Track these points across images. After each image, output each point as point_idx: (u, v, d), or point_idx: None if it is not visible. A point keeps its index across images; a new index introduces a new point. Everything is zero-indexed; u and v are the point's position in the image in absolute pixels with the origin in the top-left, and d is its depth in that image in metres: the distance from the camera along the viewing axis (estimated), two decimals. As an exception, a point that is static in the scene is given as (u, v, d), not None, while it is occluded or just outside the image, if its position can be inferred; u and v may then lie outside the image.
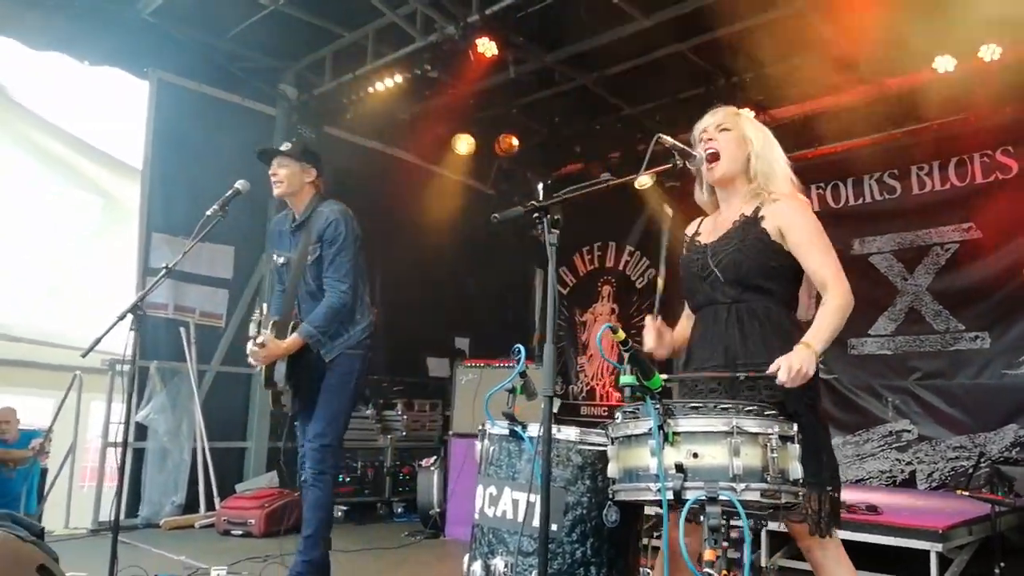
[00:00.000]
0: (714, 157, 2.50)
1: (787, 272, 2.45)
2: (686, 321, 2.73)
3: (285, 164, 3.88)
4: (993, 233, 6.18)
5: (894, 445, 6.43)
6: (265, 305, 3.94)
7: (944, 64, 5.86)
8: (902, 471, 6.36)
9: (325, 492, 3.72)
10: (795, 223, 2.41)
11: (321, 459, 3.71)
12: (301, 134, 7.11)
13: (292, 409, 3.86)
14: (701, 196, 2.70)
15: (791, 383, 2.12)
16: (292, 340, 3.68)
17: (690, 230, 2.73)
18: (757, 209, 2.47)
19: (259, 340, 3.63)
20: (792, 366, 2.12)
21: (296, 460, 3.90)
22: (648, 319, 2.65)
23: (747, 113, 2.83)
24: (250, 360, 3.74)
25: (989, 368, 6.06)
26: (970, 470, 5.87)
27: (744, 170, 2.54)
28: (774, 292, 2.44)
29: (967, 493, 4.92)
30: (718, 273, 2.46)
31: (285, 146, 3.97)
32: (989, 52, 5.72)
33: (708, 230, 2.62)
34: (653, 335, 2.61)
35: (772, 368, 2.15)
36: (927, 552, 4.15)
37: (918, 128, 6.58)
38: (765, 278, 2.42)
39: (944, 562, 4.23)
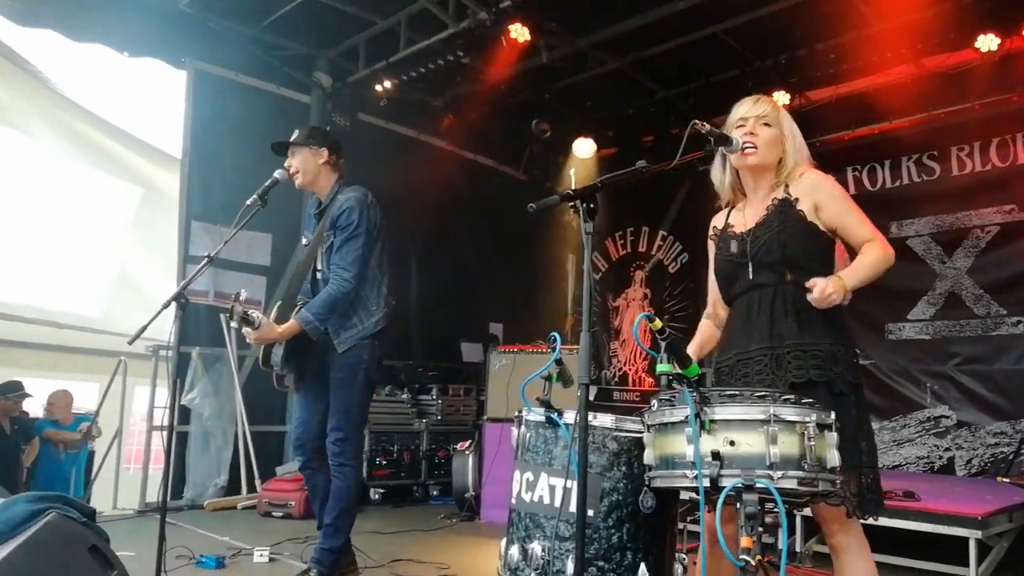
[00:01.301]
0: (752, 148, 2.50)
1: (826, 253, 2.50)
2: (707, 322, 2.77)
3: (295, 152, 3.80)
4: (1036, 215, 6.05)
5: (932, 431, 6.36)
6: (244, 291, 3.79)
7: (987, 43, 5.74)
8: (940, 457, 6.29)
9: (346, 483, 3.68)
10: (828, 194, 2.48)
11: (340, 452, 3.67)
12: (335, 122, 7.18)
13: (293, 389, 3.86)
14: (721, 176, 2.69)
15: (819, 303, 2.26)
16: (288, 325, 3.58)
17: (718, 223, 2.72)
18: (787, 190, 2.50)
19: (255, 321, 3.48)
20: (825, 289, 2.24)
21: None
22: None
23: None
24: (247, 340, 3.66)
25: (1032, 353, 5.96)
26: (1011, 456, 5.79)
27: (776, 164, 2.56)
28: (815, 271, 2.44)
29: (1008, 480, 4.86)
30: (762, 256, 2.46)
31: (294, 135, 3.85)
32: (1033, 30, 5.59)
33: (739, 221, 2.62)
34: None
35: (808, 283, 2.27)
36: (966, 539, 4.11)
37: (959, 108, 6.45)
38: (808, 258, 2.45)
39: (983, 549, 4.18)
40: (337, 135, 7.14)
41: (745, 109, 2.58)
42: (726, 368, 2.55)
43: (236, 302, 3.41)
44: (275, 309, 3.74)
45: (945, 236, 6.53)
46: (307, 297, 3.79)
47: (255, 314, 3.50)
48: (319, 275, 3.80)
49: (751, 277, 2.50)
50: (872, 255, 2.38)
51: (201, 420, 6.36)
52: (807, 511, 3.87)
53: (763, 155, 2.52)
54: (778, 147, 2.55)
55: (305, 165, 3.79)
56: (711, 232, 2.74)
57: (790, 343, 2.38)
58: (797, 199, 2.47)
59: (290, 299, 3.80)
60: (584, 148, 8.07)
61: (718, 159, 2.67)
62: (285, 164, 3.82)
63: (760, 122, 2.53)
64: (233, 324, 3.53)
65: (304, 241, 3.98)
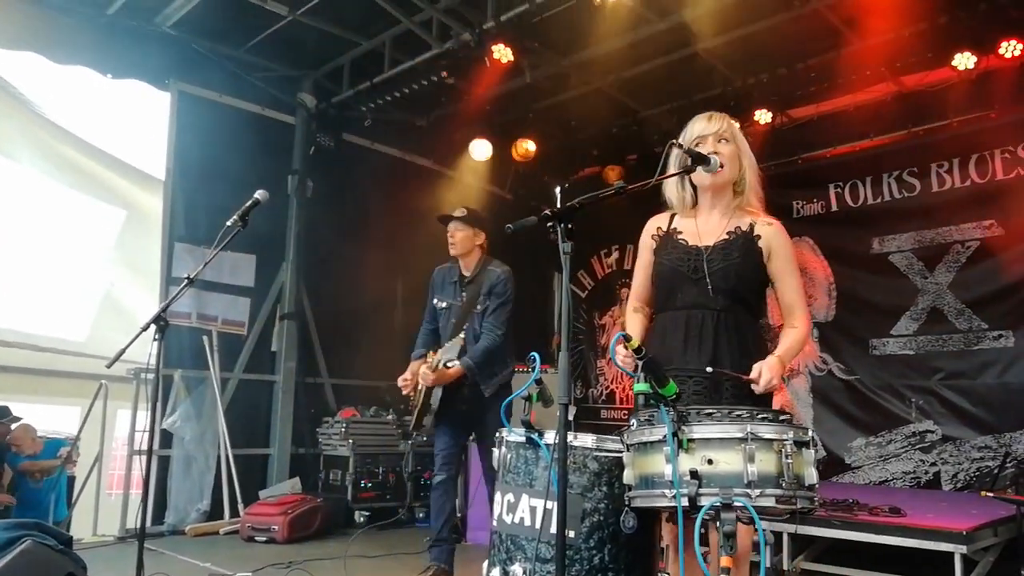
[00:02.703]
0: (721, 165, 2.53)
1: (764, 291, 2.64)
2: (638, 315, 2.79)
3: (461, 228, 4.47)
4: (1015, 230, 6.09)
5: (918, 446, 6.37)
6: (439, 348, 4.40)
7: (964, 61, 5.81)
8: (926, 472, 6.29)
9: None
10: (783, 249, 2.59)
11: None
12: (320, 143, 7.19)
13: (429, 427, 4.45)
14: (680, 193, 2.70)
15: (763, 389, 2.32)
16: (456, 369, 4.24)
17: (661, 225, 2.73)
18: (752, 226, 2.57)
19: (432, 364, 4.20)
20: (770, 379, 2.30)
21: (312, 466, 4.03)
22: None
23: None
24: (420, 381, 4.32)
25: (1014, 367, 5.98)
26: (995, 470, 5.81)
27: (735, 181, 2.62)
28: (756, 307, 2.62)
29: (992, 494, 4.87)
30: (716, 280, 2.51)
31: (460, 211, 4.51)
32: (1009, 48, 5.67)
33: (691, 231, 2.63)
34: None
35: (753, 374, 2.32)
36: (951, 554, 4.11)
37: (938, 126, 6.53)
38: (753, 293, 2.58)
39: (969, 564, 4.18)
40: (322, 156, 7.28)
41: (701, 127, 2.61)
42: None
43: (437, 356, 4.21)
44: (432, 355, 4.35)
45: (926, 252, 6.57)
46: (422, 348, 4.54)
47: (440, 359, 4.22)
48: (471, 333, 4.40)
49: (698, 295, 2.54)
50: (800, 334, 2.54)
51: (183, 444, 6.29)
52: (793, 528, 3.87)
53: (727, 173, 2.57)
54: (736, 162, 2.60)
55: (466, 242, 4.49)
56: (654, 230, 2.75)
57: (726, 369, 2.44)
58: (759, 236, 2.55)
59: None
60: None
61: (674, 178, 2.68)
62: (449, 234, 4.51)
63: (718, 139, 2.56)
64: (433, 365, 4.22)
65: (443, 304, 4.58)
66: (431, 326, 4.63)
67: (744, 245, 2.54)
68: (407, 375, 4.44)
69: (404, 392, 4.47)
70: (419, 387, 4.37)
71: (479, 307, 4.43)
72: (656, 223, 2.77)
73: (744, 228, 2.57)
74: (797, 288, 2.59)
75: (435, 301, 4.62)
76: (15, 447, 6.41)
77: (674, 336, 2.57)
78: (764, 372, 2.30)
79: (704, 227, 2.61)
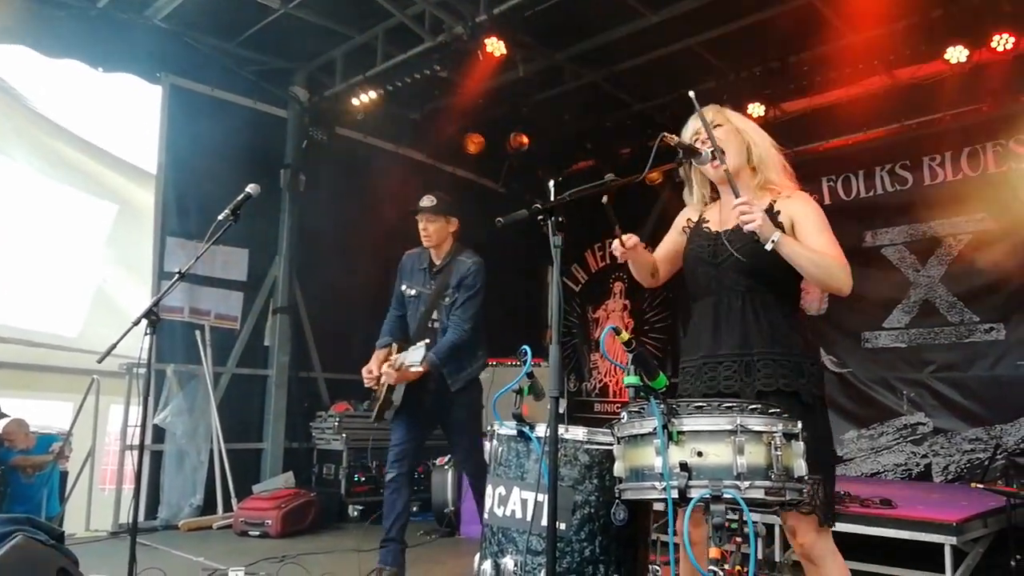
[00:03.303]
0: (720, 152, 2.48)
1: (795, 271, 2.45)
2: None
3: (433, 220, 4.31)
4: (1006, 223, 6.13)
5: (909, 438, 6.41)
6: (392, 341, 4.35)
7: (956, 54, 5.82)
8: (917, 464, 6.33)
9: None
10: (807, 214, 2.48)
11: (479, 473, 4.09)
12: (312, 137, 7.16)
13: (389, 418, 4.26)
14: (700, 191, 2.70)
15: (747, 219, 2.26)
16: (419, 370, 4.04)
17: (691, 216, 2.73)
18: (772, 204, 2.50)
19: (396, 364, 4.07)
20: (755, 214, 2.26)
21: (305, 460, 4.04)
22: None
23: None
24: (383, 379, 4.14)
25: (1005, 359, 6.03)
26: (986, 462, 5.84)
27: (747, 160, 2.57)
28: (783, 285, 2.48)
29: (982, 486, 4.90)
30: (735, 259, 2.45)
31: (429, 201, 4.32)
32: (1002, 42, 5.68)
33: (716, 219, 2.61)
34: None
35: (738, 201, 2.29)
36: (942, 545, 4.13)
37: (930, 119, 6.56)
38: (778, 269, 2.42)
39: (959, 555, 4.21)
40: (315, 149, 7.25)
41: (693, 126, 2.59)
42: (692, 369, 2.54)
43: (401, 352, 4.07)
44: (397, 349, 4.23)
45: (919, 245, 6.60)
46: (388, 336, 4.41)
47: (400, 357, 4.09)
48: (436, 324, 4.28)
49: (721, 279, 2.51)
50: (824, 256, 2.37)
51: (175, 439, 6.28)
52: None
53: (733, 157, 2.52)
54: (740, 140, 2.56)
55: (439, 232, 4.34)
56: (684, 222, 2.75)
57: (759, 351, 2.39)
58: (779, 212, 2.48)
59: (411, 342, 4.22)
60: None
61: (688, 182, 2.69)
62: (421, 227, 4.33)
63: (711, 127, 2.54)
64: (396, 363, 4.08)
65: (412, 291, 4.41)
66: (398, 313, 4.48)
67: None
68: (371, 366, 4.26)
69: (367, 385, 4.29)
70: (382, 380, 4.20)
71: (447, 299, 4.27)
72: (686, 214, 2.76)
73: (764, 208, 2.46)
74: (828, 243, 2.42)
75: (403, 288, 4.45)
76: (8, 442, 6.39)
77: (703, 323, 2.55)
78: (756, 210, 2.27)
79: (727, 212, 2.55)
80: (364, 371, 4.28)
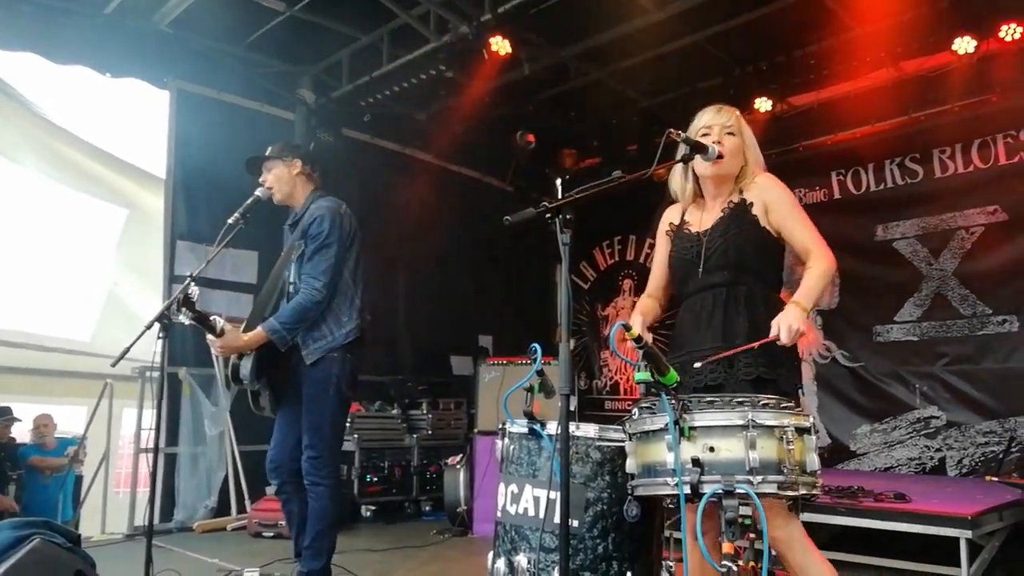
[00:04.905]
0: (720, 155, 2.55)
1: (776, 254, 2.60)
2: (649, 299, 2.81)
3: (270, 167, 3.77)
4: (1019, 215, 6.09)
5: (923, 432, 6.37)
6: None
7: (964, 45, 5.78)
8: (931, 458, 6.30)
9: (322, 503, 3.52)
10: (777, 198, 2.56)
11: (313, 470, 3.52)
12: (320, 139, 7.18)
13: (270, 410, 3.72)
14: (683, 183, 2.74)
15: (790, 341, 2.25)
16: (254, 334, 3.48)
17: (673, 218, 2.79)
18: (741, 193, 2.59)
19: (218, 329, 3.38)
20: (791, 326, 2.24)
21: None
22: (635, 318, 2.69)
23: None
24: (212, 351, 3.56)
25: (1018, 352, 5.98)
26: (1000, 455, 5.80)
27: (737, 173, 2.64)
28: (766, 274, 2.58)
29: (997, 479, 4.87)
30: (716, 258, 2.54)
31: (268, 151, 3.83)
32: (1009, 32, 5.65)
33: (697, 219, 2.68)
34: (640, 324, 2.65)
35: (772, 332, 2.26)
36: (957, 539, 4.11)
37: (939, 111, 6.50)
38: (759, 261, 2.55)
39: (975, 549, 4.18)
40: (322, 151, 7.26)
41: (709, 118, 2.64)
42: (678, 365, 2.54)
43: (187, 292, 3.16)
44: (245, 323, 3.63)
45: (931, 238, 6.55)
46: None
47: (217, 319, 3.38)
48: (291, 287, 3.69)
49: (704, 278, 2.57)
50: (818, 270, 2.44)
51: (189, 440, 6.30)
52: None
53: (728, 164, 2.60)
54: (740, 156, 2.63)
55: (280, 179, 3.76)
56: (667, 227, 2.80)
57: (741, 342, 2.43)
58: (751, 203, 2.56)
59: (260, 312, 3.69)
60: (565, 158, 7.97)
61: (679, 168, 2.70)
62: (260, 180, 3.78)
63: (725, 131, 2.59)
64: (183, 319, 3.21)
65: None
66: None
67: (739, 216, 2.56)
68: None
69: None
70: (213, 352, 3.60)
71: (294, 254, 3.67)
72: (668, 218, 2.82)
73: (736, 200, 2.59)
74: (805, 228, 2.51)
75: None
76: (41, 431, 6.45)
77: (688, 322, 2.62)
78: (781, 325, 2.25)
79: (709, 213, 2.66)
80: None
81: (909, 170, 6.73)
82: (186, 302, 3.15)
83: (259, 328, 3.49)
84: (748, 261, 2.52)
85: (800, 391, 2.51)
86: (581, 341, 8.97)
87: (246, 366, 3.51)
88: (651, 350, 2.06)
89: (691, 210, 2.74)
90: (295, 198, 3.82)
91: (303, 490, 3.57)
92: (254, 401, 3.71)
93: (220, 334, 3.39)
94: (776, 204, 2.54)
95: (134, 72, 6.56)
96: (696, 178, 2.70)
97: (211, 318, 3.35)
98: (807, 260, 2.49)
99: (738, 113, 2.70)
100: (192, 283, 3.21)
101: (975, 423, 6.12)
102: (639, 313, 2.74)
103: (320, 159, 3.96)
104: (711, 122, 2.62)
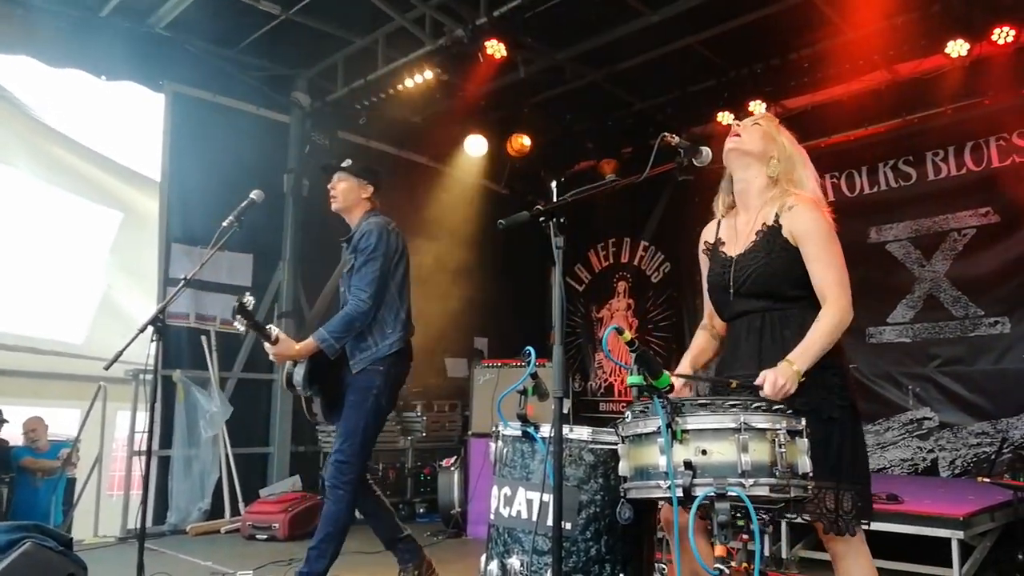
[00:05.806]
0: (735, 133, 2.53)
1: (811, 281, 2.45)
2: (703, 333, 2.75)
3: (344, 179, 3.95)
4: (1011, 217, 6.11)
5: (915, 433, 6.39)
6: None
7: (956, 48, 5.81)
8: (924, 459, 6.32)
9: (336, 506, 3.64)
10: (809, 232, 2.41)
11: (335, 474, 3.65)
12: (315, 142, 7.19)
13: (322, 417, 3.88)
14: (723, 196, 2.69)
15: (774, 397, 2.12)
16: (305, 343, 3.65)
17: (708, 235, 2.70)
18: (777, 216, 2.46)
19: (273, 337, 3.57)
20: (777, 383, 2.14)
21: (312, 464, 3.88)
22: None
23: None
24: (271, 357, 3.71)
25: (1010, 353, 6.01)
26: (992, 456, 5.83)
27: (762, 161, 2.53)
28: (805, 298, 2.43)
29: (989, 480, 4.89)
30: (748, 286, 2.46)
31: (347, 162, 4.01)
32: (1002, 34, 5.67)
33: (730, 238, 2.59)
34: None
35: (758, 380, 2.18)
36: (948, 540, 4.13)
37: (932, 113, 6.52)
38: (794, 287, 2.42)
39: (966, 549, 4.21)
40: (318, 154, 7.27)
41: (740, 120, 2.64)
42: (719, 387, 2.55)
43: (242, 301, 3.33)
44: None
45: (923, 240, 6.58)
46: None
47: (272, 328, 3.58)
48: (342, 299, 3.88)
49: (736, 304, 2.52)
50: (826, 325, 2.30)
51: (183, 443, 6.29)
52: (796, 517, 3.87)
53: (747, 141, 2.53)
54: (763, 142, 2.54)
55: (348, 194, 3.94)
56: (703, 246, 2.72)
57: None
58: (783, 226, 2.45)
59: (315, 321, 3.81)
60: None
61: (722, 184, 2.67)
62: (329, 186, 3.97)
63: (751, 122, 2.59)
64: (239, 326, 3.41)
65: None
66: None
67: (770, 242, 2.44)
68: None
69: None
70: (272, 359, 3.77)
71: (346, 267, 3.87)
72: (704, 236, 2.73)
73: (770, 222, 2.46)
74: (827, 269, 2.37)
75: None
76: (32, 435, 6.43)
77: (728, 345, 2.59)
78: (767, 378, 2.15)
79: (742, 228, 2.56)
80: None
81: (902, 172, 6.76)
82: (242, 310, 3.31)
83: (310, 337, 3.67)
84: (779, 288, 2.42)
85: (846, 406, 2.39)
86: (575, 344, 8.98)
87: (299, 373, 3.68)
88: (644, 353, 2.07)
89: (725, 223, 2.65)
90: (352, 214, 3.98)
91: (368, 491, 3.84)
92: (307, 407, 3.88)
93: (275, 342, 3.57)
94: (804, 237, 2.40)
95: (129, 75, 6.56)
96: (732, 187, 2.63)
97: (267, 327, 3.55)
98: (822, 305, 2.36)
99: (777, 121, 2.65)
100: (247, 293, 3.42)
101: (967, 424, 6.14)
102: (690, 355, 2.67)
103: (381, 186, 4.10)
104: (740, 120, 2.61)
